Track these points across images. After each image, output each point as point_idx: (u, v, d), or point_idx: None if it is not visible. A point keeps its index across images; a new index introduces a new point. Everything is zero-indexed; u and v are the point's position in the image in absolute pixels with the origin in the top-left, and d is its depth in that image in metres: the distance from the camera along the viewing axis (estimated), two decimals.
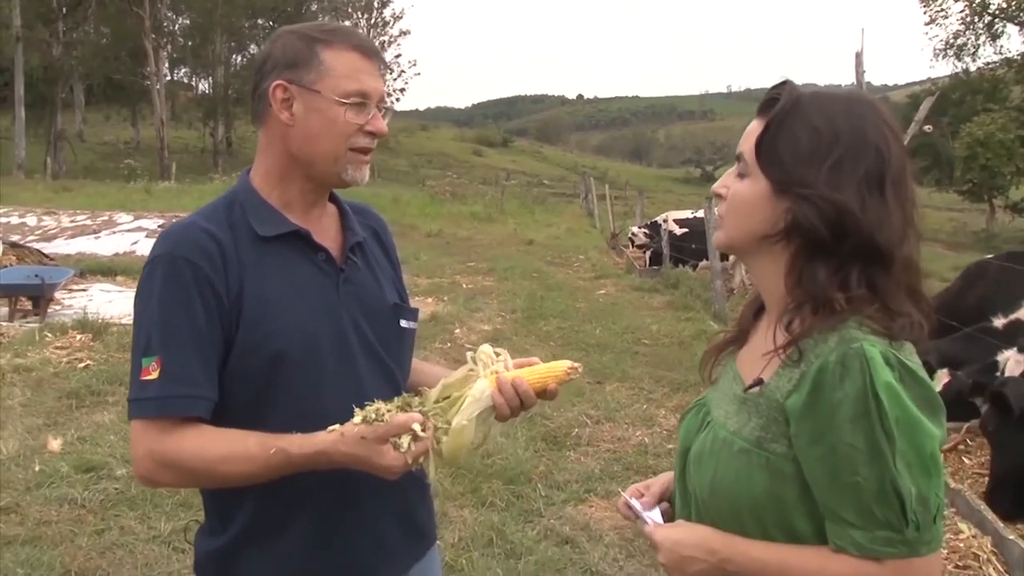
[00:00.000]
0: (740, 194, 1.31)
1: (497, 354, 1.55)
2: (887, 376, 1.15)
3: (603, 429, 5.74)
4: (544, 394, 1.53)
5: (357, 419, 1.40)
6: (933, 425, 1.17)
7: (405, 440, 1.37)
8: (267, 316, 1.52)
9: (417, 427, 1.38)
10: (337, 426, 1.41)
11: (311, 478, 1.49)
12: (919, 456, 1.15)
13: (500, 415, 1.50)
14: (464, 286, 11.80)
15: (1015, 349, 4.44)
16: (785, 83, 1.30)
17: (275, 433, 1.44)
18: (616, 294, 11.84)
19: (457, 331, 8.63)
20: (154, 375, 1.44)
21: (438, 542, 1.88)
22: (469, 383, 1.49)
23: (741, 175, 1.31)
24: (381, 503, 1.62)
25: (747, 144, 1.30)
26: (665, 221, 15.19)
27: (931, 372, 5.25)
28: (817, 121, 1.24)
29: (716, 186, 1.36)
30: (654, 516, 1.44)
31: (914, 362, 1.20)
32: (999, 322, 5.39)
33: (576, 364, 1.55)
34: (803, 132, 1.24)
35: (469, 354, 1.55)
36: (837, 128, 1.24)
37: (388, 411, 1.40)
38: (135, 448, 1.48)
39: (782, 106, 1.27)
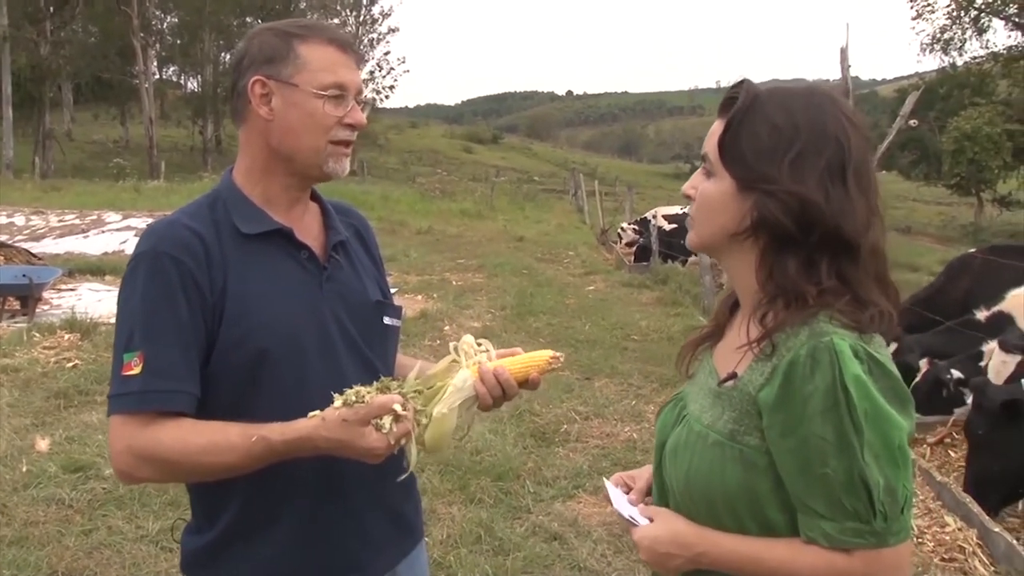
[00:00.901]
0: (707, 193, 1.32)
1: (479, 344, 1.56)
2: (856, 369, 1.16)
3: (592, 425, 5.75)
4: (526, 384, 1.54)
5: (338, 403, 1.40)
6: (901, 417, 1.19)
7: (387, 421, 1.38)
8: (250, 313, 1.52)
9: (398, 407, 1.39)
10: (317, 412, 1.42)
11: (298, 474, 1.50)
12: (887, 447, 1.17)
13: (483, 405, 1.51)
14: (454, 283, 11.80)
15: (996, 341, 4.48)
16: (743, 82, 1.31)
17: None
18: (606, 290, 11.86)
19: (447, 328, 8.62)
20: (136, 370, 1.45)
21: (425, 539, 1.89)
22: (451, 373, 1.51)
23: (707, 174, 1.33)
24: (368, 498, 1.62)
25: (710, 144, 1.32)
26: (654, 217, 15.20)
27: (912, 369, 5.29)
28: (776, 116, 1.26)
29: (685, 187, 1.37)
30: (637, 514, 1.45)
31: (883, 354, 1.22)
32: (982, 315, 5.45)
33: (558, 354, 1.56)
34: (763, 128, 1.26)
35: (452, 344, 1.57)
36: (796, 122, 1.25)
37: (368, 393, 1.41)
38: (114, 443, 1.48)
39: (741, 104, 1.28)
